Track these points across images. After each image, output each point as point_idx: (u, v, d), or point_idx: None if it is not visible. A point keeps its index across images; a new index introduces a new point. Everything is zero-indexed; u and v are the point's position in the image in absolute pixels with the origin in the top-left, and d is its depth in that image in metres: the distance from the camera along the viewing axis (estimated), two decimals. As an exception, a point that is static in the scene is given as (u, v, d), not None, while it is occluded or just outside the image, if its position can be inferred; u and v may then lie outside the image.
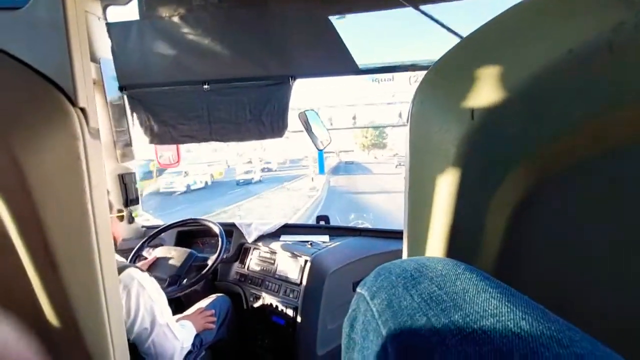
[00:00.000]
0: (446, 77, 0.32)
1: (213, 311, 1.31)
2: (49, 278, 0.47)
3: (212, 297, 1.43)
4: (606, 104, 0.22)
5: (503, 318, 0.18)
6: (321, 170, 24.23)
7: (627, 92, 0.22)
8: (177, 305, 1.40)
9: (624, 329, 0.23)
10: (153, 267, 1.39)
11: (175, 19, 1.22)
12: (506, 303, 0.19)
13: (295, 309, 1.32)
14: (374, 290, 0.25)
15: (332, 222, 1.78)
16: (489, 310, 0.19)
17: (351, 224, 1.87)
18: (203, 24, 1.20)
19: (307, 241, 1.51)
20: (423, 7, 1.05)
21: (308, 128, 1.43)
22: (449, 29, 1.03)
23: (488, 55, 0.29)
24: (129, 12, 1.34)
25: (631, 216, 0.22)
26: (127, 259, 1.43)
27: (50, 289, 0.47)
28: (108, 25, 1.32)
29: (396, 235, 1.53)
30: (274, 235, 1.64)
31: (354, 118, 18.11)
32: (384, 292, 0.24)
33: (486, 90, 0.27)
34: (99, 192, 0.50)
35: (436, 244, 0.31)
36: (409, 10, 1.07)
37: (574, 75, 0.23)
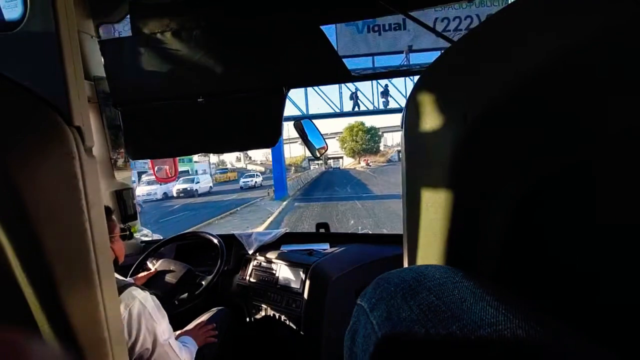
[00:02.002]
0: (438, 81, 0.32)
1: (214, 325, 1.29)
2: (47, 300, 0.46)
3: (213, 310, 1.41)
4: (599, 103, 0.22)
5: (500, 327, 0.19)
6: (280, 193, 14.55)
7: (617, 93, 0.22)
8: (177, 320, 1.39)
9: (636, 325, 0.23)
10: (151, 280, 1.38)
11: (168, 34, 1.23)
12: (503, 311, 0.20)
13: (298, 320, 1.31)
14: (374, 302, 0.25)
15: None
16: (486, 320, 0.19)
17: (351, 230, 1.87)
18: (195, 38, 1.21)
19: (308, 250, 1.50)
20: (413, 14, 1.07)
21: (304, 136, 1.44)
22: (439, 34, 1.05)
23: (478, 58, 0.29)
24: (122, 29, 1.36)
25: (631, 211, 0.22)
26: (127, 275, 1.42)
27: (49, 311, 0.46)
28: (101, 42, 1.32)
29: (397, 240, 1.52)
30: (274, 245, 1.63)
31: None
32: (383, 304, 0.24)
33: (478, 94, 0.27)
34: (96, 211, 0.49)
35: (436, 250, 0.31)
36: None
37: (565, 77, 0.23)
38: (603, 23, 0.22)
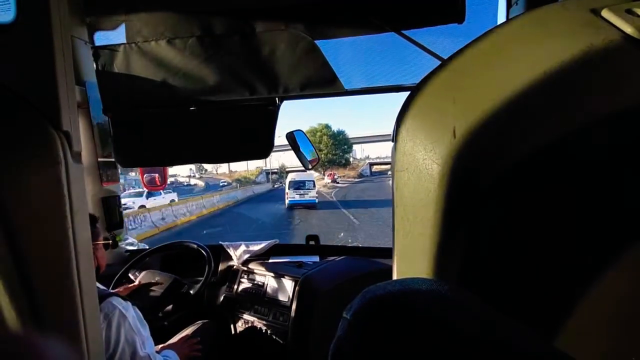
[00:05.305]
0: (428, 97, 0.33)
1: (198, 339, 1.26)
2: (24, 306, 0.44)
3: (198, 323, 1.38)
4: (581, 120, 0.23)
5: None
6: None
7: (598, 111, 0.23)
8: (161, 332, 1.35)
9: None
10: (135, 293, 1.34)
11: (162, 42, 1.23)
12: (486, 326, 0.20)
13: (285, 333, 1.28)
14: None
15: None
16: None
17: (341, 243, 1.86)
18: (190, 48, 1.22)
19: (298, 262, 1.48)
20: (405, 32, 1.10)
21: (296, 148, 1.44)
22: (430, 52, 1.07)
23: (467, 76, 0.30)
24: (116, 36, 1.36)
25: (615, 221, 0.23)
26: (109, 285, 1.37)
27: (25, 317, 0.45)
28: (94, 49, 1.32)
29: (387, 253, 1.52)
30: (263, 256, 1.61)
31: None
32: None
33: (466, 110, 0.28)
34: (80, 217, 0.48)
35: (424, 262, 0.31)
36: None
37: (548, 94, 0.24)
38: (585, 45, 0.23)
